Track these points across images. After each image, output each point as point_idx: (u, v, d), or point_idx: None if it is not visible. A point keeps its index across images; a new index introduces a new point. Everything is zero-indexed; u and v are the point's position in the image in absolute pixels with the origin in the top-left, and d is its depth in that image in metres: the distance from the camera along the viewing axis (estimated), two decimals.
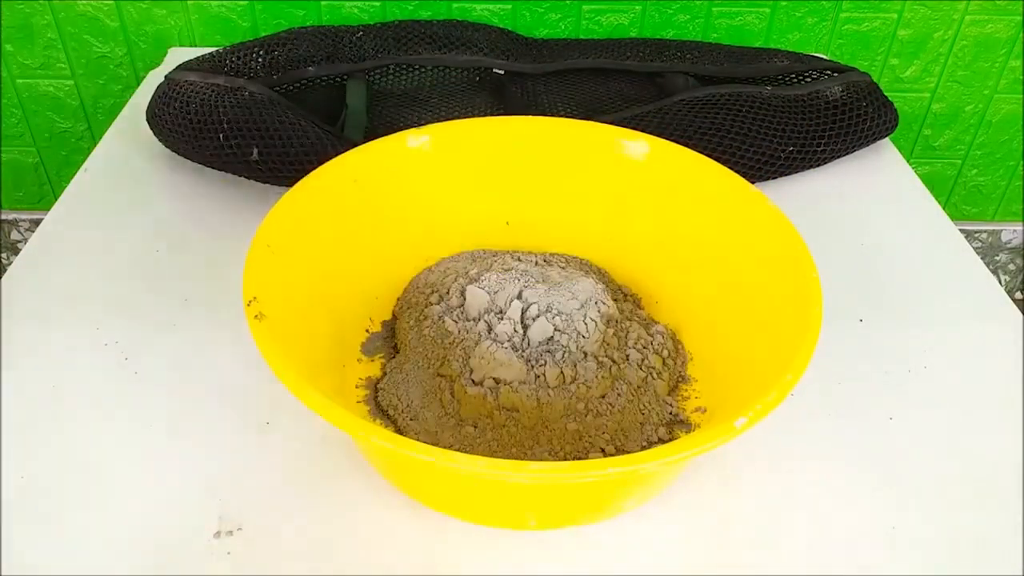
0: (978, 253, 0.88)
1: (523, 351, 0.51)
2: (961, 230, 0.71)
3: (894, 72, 0.96)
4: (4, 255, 1.10)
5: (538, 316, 0.51)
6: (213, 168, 0.71)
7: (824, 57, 0.88)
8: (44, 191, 1.04)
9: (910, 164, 0.83)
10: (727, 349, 0.52)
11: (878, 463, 0.51)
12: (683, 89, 0.77)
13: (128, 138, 0.77)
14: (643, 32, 0.92)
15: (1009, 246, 1.14)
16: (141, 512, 0.47)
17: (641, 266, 0.60)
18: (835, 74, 0.80)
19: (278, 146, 0.67)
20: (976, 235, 1.12)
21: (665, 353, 0.54)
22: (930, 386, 0.56)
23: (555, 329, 0.51)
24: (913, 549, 0.47)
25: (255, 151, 0.67)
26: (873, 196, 0.74)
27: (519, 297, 0.53)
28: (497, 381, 0.50)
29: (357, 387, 0.53)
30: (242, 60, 0.76)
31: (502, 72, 0.82)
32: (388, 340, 0.57)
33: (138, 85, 0.89)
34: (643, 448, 0.49)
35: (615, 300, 0.56)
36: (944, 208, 0.73)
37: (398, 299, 0.59)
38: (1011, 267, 1.17)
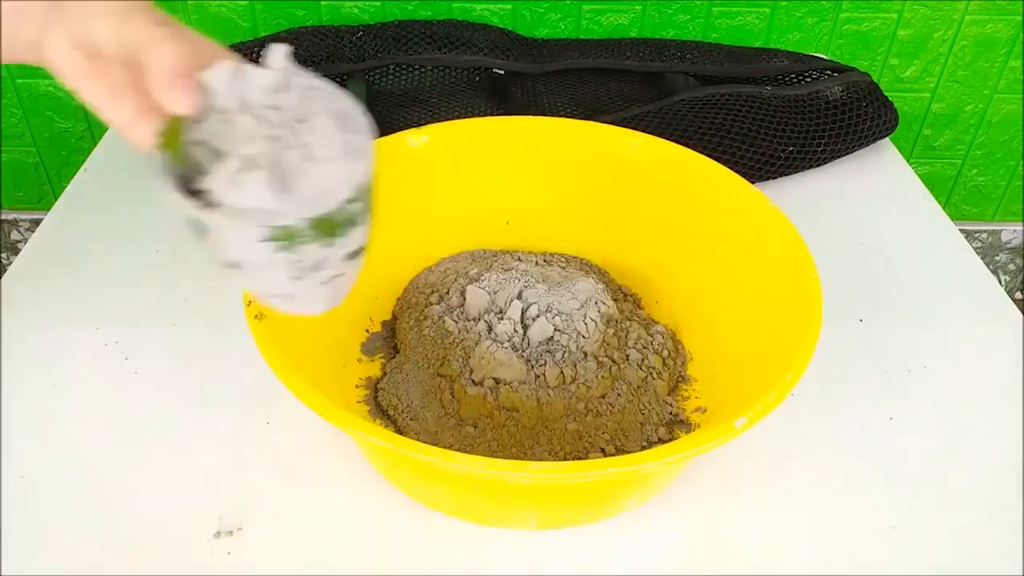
0: (978, 253, 0.88)
1: (523, 351, 0.51)
2: (961, 230, 0.71)
3: (894, 72, 0.96)
4: (4, 255, 1.10)
5: (538, 316, 0.51)
6: None
7: (824, 57, 0.88)
8: (44, 191, 1.04)
9: (910, 164, 0.83)
10: (727, 349, 0.52)
11: (878, 463, 0.51)
12: (683, 89, 0.77)
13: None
14: (643, 32, 0.92)
15: (1009, 246, 1.14)
16: (141, 512, 0.47)
17: (641, 266, 0.60)
18: (835, 74, 0.80)
19: None
20: (976, 235, 1.12)
21: (665, 353, 0.54)
22: (930, 386, 0.56)
23: (555, 329, 0.51)
24: (913, 549, 0.47)
25: None
26: (873, 196, 0.74)
27: (519, 297, 0.53)
28: (497, 381, 0.50)
29: (357, 387, 0.53)
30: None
31: (502, 72, 0.82)
32: (388, 340, 0.57)
33: None
34: (643, 448, 0.49)
35: (615, 300, 0.56)
36: (944, 208, 0.73)
37: (398, 299, 0.59)
38: (1011, 267, 1.17)
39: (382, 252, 0.58)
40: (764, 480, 0.50)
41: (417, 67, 0.83)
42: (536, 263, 0.59)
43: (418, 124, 0.60)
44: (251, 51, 0.77)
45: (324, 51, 0.79)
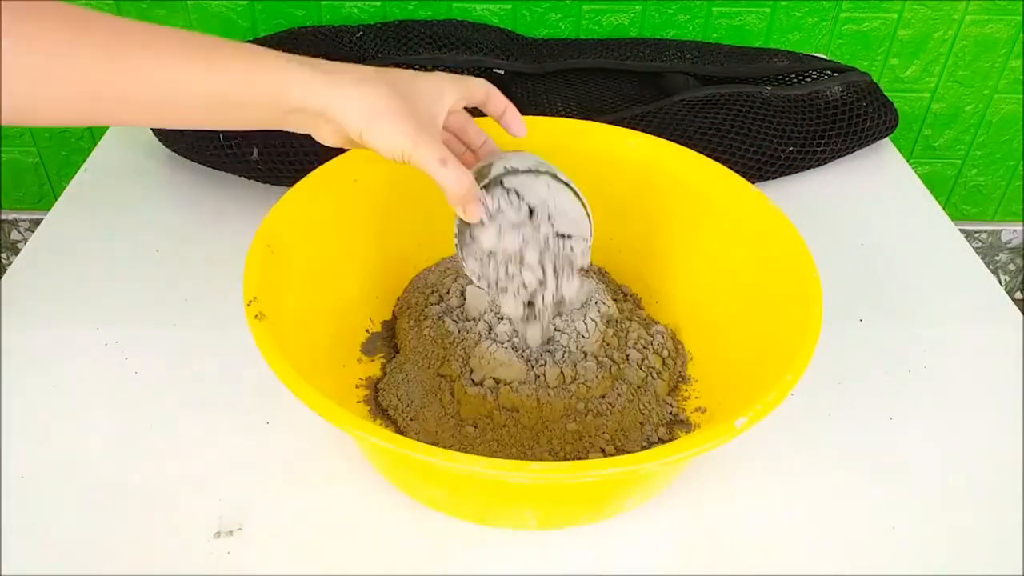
0: (978, 253, 0.88)
1: (523, 351, 0.51)
2: (961, 230, 0.71)
3: (894, 72, 0.96)
4: (4, 255, 1.10)
5: None
6: (213, 168, 0.71)
7: (824, 57, 0.88)
8: (44, 191, 1.04)
9: (910, 164, 0.83)
10: (727, 349, 0.52)
11: (878, 463, 0.51)
12: (683, 89, 0.77)
13: (128, 138, 0.77)
14: (643, 32, 0.92)
15: (1009, 246, 1.14)
16: (141, 512, 0.47)
17: (641, 266, 0.60)
18: (835, 74, 0.80)
19: (278, 146, 0.67)
20: (976, 235, 1.12)
21: (665, 353, 0.54)
22: (930, 386, 0.56)
23: (555, 329, 0.51)
24: (913, 549, 0.47)
25: (255, 151, 0.67)
26: (873, 196, 0.74)
27: None
28: (497, 381, 0.50)
29: (357, 387, 0.53)
30: None
31: (502, 72, 0.82)
32: (388, 340, 0.56)
33: None
34: (643, 448, 0.49)
35: (615, 300, 0.56)
36: (944, 208, 0.73)
37: (398, 299, 0.59)
38: (1011, 267, 1.17)
39: (382, 252, 0.58)
40: (764, 480, 0.50)
41: (417, 67, 0.83)
42: None
43: None
44: None
45: (324, 51, 0.79)
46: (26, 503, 0.47)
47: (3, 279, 0.61)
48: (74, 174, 0.73)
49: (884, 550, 0.47)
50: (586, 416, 0.49)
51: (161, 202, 0.71)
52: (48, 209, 0.69)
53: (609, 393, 0.51)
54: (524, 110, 0.79)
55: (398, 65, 0.82)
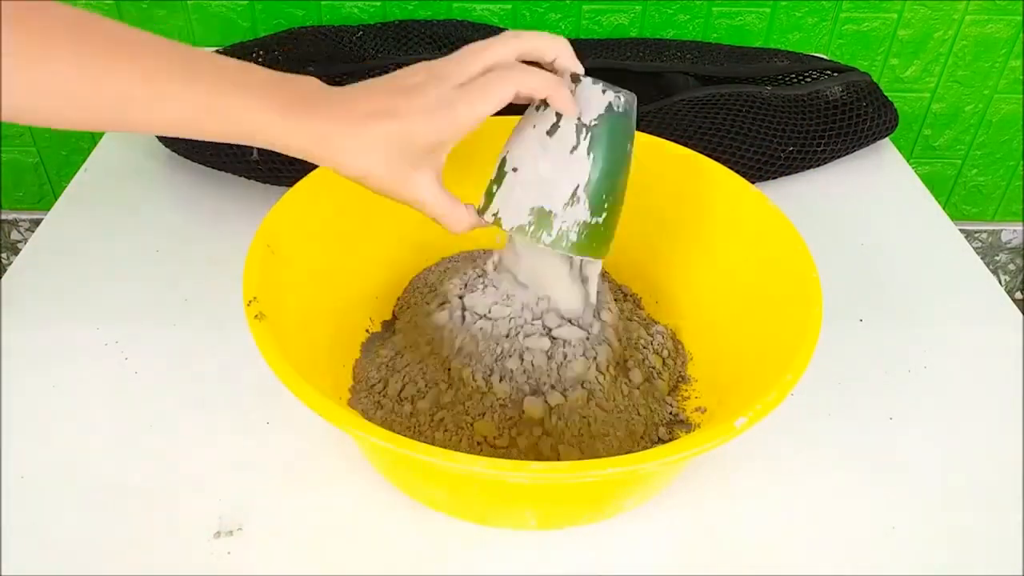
0: (978, 253, 0.88)
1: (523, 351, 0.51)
2: (961, 230, 0.71)
3: (894, 72, 0.96)
4: (4, 255, 1.10)
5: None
6: (213, 168, 0.71)
7: (824, 57, 0.88)
8: (44, 191, 1.04)
9: (910, 164, 0.83)
10: (727, 349, 0.52)
11: (878, 463, 0.51)
12: (683, 89, 0.77)
13: (128, 138, 0.77)
14: (643, 32, 0.92)
15: (1009, 246, 1.14)
16: (141, 512, 0.47)
17: (641, 266, 0.60)
18: (835, 74, 0.80)
19: None
20: (976, 235, 1.12)
21: (665, 353, 0.54)
22: (930, 386, 0.56)
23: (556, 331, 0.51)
24: (913, 549, 0.47)
25: (255, 151, 0.67)
26: (873, 196, 0.74)
27: None
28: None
29: None
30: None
31: None
32: (388, 340, 0.56)
33: None
34: (643, 448, 0.49)
35: (615, 300, 0.56)
36: (944, 208, 0.73)
37: (398, 299, 0.59)
38: (1011, 267, 1.17)
39: (382, 252, 0.58)
40: (764, 480, 0.50)
41: None
42: None
43: None
44: (251, 51, 0.76)
45: (324, 51, 0.79)
46: (26, 503, 0.47)
47: (3, 279, 0.61)
48: (74, 174, 0.73)
49: (884, 550, 0.47)
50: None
51: (161, 202, 0.71)
52: (48, 209, 0.69)
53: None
54: (524, 110, 0.79)
55: (398, 65, 0.82)
